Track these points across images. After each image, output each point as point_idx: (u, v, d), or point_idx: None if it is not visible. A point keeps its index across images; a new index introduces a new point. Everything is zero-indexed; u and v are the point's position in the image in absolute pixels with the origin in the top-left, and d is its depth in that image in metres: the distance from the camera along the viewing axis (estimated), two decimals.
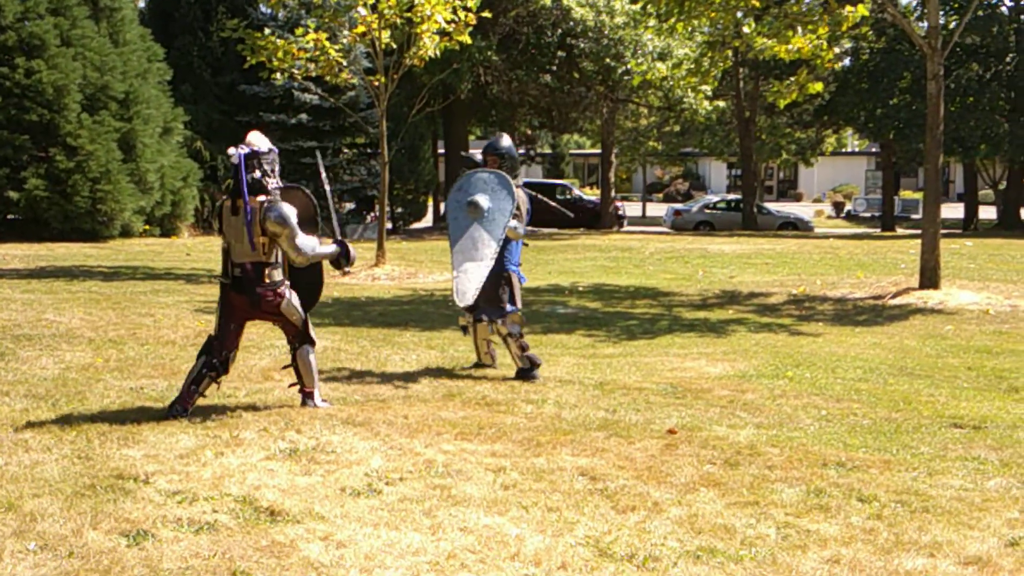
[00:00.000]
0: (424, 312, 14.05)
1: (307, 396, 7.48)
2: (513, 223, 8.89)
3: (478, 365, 9.56)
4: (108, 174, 25.12)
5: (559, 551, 4.84)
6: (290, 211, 7.07)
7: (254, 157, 7.07)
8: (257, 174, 7.06)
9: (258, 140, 7.19)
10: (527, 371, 8.99)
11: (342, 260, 7.62)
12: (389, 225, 31.81)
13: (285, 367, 7.78)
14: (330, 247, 7.52)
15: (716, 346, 11.53)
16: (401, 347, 10.73)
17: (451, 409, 7.70)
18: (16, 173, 24.61)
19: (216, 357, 7.21)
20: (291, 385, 7.65)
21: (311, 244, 7.18)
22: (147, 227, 27.89)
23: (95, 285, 15.69)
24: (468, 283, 8.62)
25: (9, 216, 25.64)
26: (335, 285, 17.38)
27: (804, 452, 6.58)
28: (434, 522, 5.15)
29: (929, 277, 16.19)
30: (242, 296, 7.15)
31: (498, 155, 9.19)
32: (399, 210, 35.66)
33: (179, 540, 4.82)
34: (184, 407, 7.10)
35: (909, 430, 7.37)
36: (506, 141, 9.39)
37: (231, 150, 7.11)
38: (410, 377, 9.00)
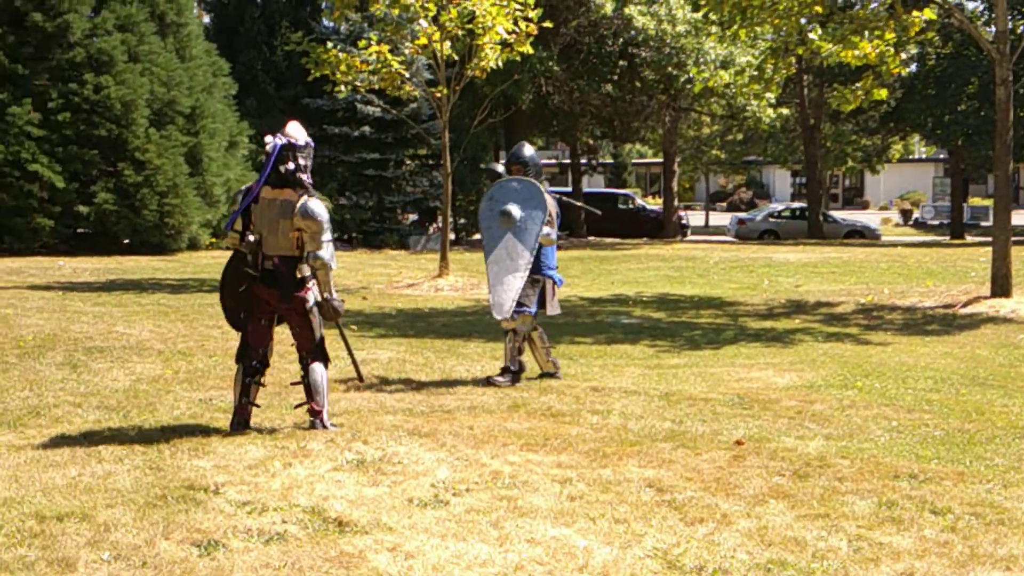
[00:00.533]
0: (488, 323, 14.05)
1: (315, 416, 7.17)
2: (546, 230, 8.92)
3: (544, 375, 9.60)
4: (175, 188, 25.47)
5: (627, 563, 4.81)
6: (323, 208, 6.97)
7: (290, 149, 6.96)
8: (291, 166, 6.92)
9: (297, 132, 7.08)
10: (512, 372, 9.14)
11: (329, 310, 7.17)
12: (452, 236, 31.90)
13: (295, 383, 7.47)
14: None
15: (783, 356, 11.42)
16: (466, 358, 10.75)
17: (516, 420, 7.69)
18: (86, 188, 25.02)
19: (254, 359, 7.12)
20: (298, 406, 7.39)
21: (332, 252, 7.06)
22: (213, 240, 28.22)
23: (163, 298, 15.90)
24: (505, 295, 8.72)
25: (79, 230, 26.07)
26: (399, 297, 17.47)
27: (875, 464, 6.49)
28: (501, 533, 5.14)
29: (1001, 285, 15.91)
30: (272, 290, 6.99)
31: (522, 164, 9.17)
32: (462, 221, 35.76)
33: (249, 550, 4.85)
34: (245, 421, 7.08)
35: (983, 441, 7.24)
36: (528, 149, 9.36)
37: (268, 138, 7.02)
38: (475, 388, 9.01)
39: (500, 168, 9.61)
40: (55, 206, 24.33)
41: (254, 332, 7.13)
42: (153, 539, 4.93)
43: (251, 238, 6.93)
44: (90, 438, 6.82)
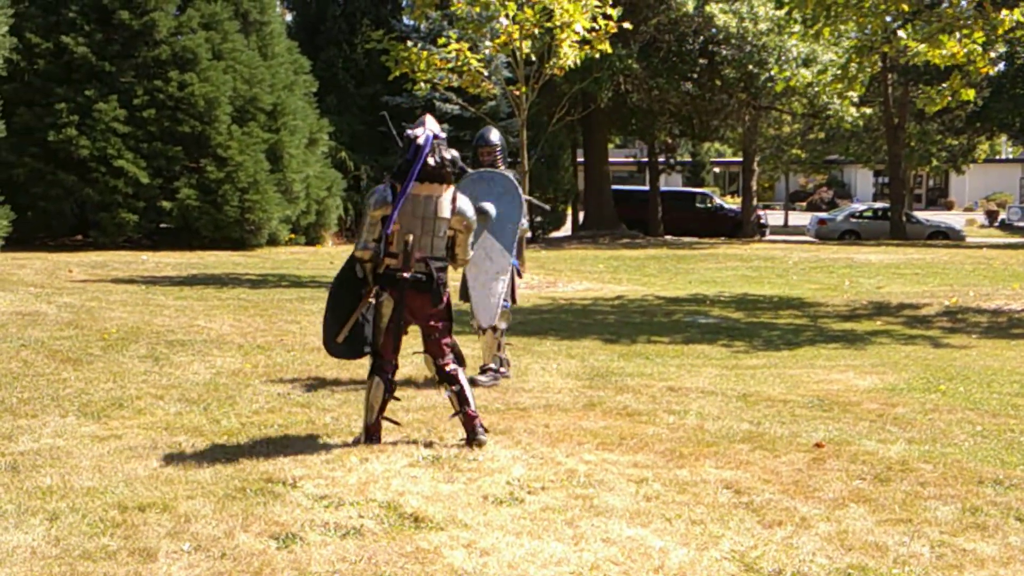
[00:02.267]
0: (564, 321, 14.04)
1: (474, 421, 6.66)
2: (523, 222, 8.58)
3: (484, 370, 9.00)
4: (256, 184, 25.77)
5: (704, 565, 4.77)
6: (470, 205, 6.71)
7: (436, 140, 6.52)
8: (432, 160, 6.45)
9: (435, 125, 6.65)
10: (492, 371, 8.89)
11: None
12: (529, 234, 31.92)
13: (454, 414, 6.77)
14: None
15: (864, 358, 11.25)
16: (541, 356, 10.74)
17: (592, 419, 7.66)
18: (169, 183, 25.42)
19: (390, 373, 6.64)
20: (463, 416, 6.69)
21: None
22: (292, 236, 28.53)
23: (243, 292, 16.10)
24: (490, 301, 8.20)
25: (162, 225, 26.50)
26: None
27: (959, 469, 6.36)
28: (576, 532, 5.12)
29: None
30: (424, 295, 6.51)
31: (490, 147, 8.71)
32: (538, 219, 35.76)
33: (326, 544, 4.89)
34: (378, 436, 6.64)
35: None
36: (496, 133, 8.91)
37: (418, 131, 6.51)
38: (550, 386, 8.99)
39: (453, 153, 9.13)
40: (139, 201, 24.74)
41: (393, 344, 6.63)
42: (232, 531, 4.99)
43: (409, 238, 6.42)
44: (171, 430, 6.93)
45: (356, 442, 6.61)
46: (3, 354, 9.55)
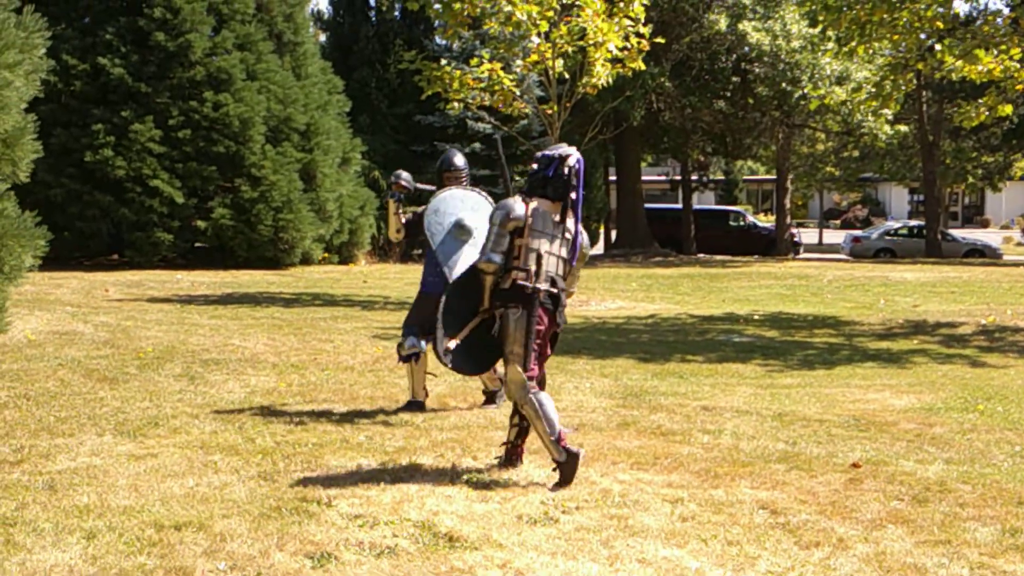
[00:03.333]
0: (597, 340, 14.01)
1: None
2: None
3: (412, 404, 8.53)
4: (290, 203, 25.92)
5: None
6: None
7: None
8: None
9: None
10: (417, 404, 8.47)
11: None
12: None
13: (506, 443, 6.70)
14: None
15: (900, 377, 11.16)
16: (574, 375, 10.72)
17: (626, 438, 7.63)
18: (204, 203, 25.61)
19: (540, 386, 6.46)
20: (511, 447, 6.64)
21: None
22: (326, 255, 28.65)
23: (277, 311, 16.18)
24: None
25: (197, 244, 26.68)
26: None
27: (998, 490, 6.29)
28: (612, 552, 5.10)
29: None
30: (551, 314, 6.44)
31: (457, 171, 8.47)
32: None
33: (361, 563, 4.89)
34: (518, 460, 6.62)
35: None
36: (461, 158, 8.63)
37: (572, 150, 6.47)
38: (584, 405, 8.97)
39: (405, 177, 8.56)
40: (174, 221, 24.93)
41: (539, 357, 6.49)
42: (268, 550, 5.00)
43: (540, 253, 6.36)
44: (207, 449, 6.96)
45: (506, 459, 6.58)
46: (40, 373, 9.63)
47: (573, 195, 6.42)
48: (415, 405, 8.46)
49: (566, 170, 6.39)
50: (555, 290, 6.42)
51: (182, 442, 7.16)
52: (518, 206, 6.40)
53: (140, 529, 5.26)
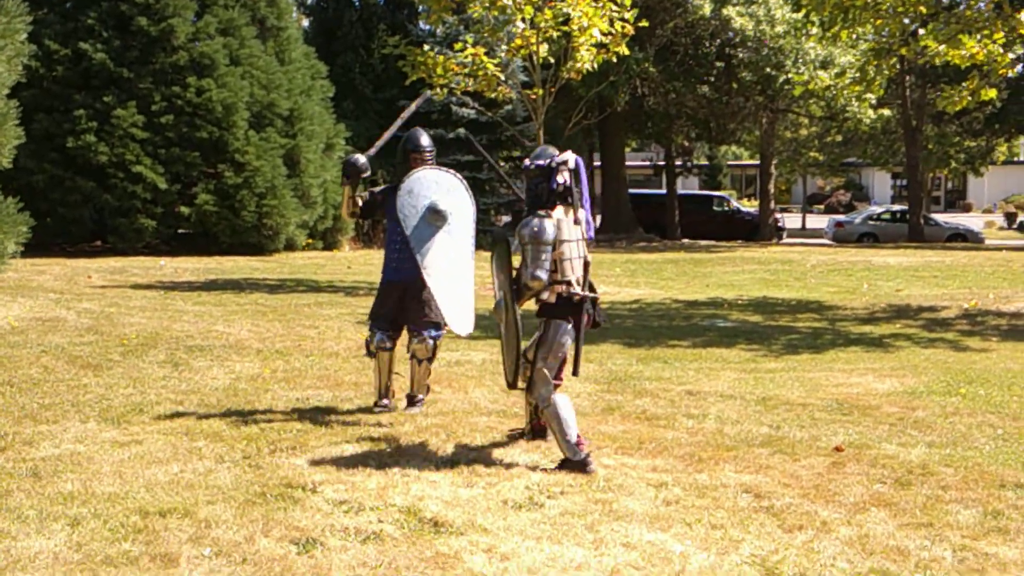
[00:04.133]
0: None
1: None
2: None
3: (380, 406, 7.98)
4: (273, 189, 25.84)
5: (724, 570, 4.76)
6: None
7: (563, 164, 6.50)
8: (564, 183, 6.52)
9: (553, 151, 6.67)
10: (418, 402, 8.02)
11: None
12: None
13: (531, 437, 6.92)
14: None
15: (883, 361, 11.21)
16: None
17: (611, 423, 7.66)
18: (187, 189, 25.51)
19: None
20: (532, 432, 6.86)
21: None
22: (310, 241, 28.59)
23: (261, 297, 16.15)
24: (463, 308, 7.39)
25: (181, 230, 26.59)
26: (491, 298, 17.50)
27: (980, 472, 6.33)
28: (596, 537, 5.12)
29: None
30: (581, 317, 6.50)
31: (424, 151, 7.92)
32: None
33: (347, 549, 4.90)
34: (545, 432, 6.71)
35: None
36: (426, 136, 8.10)
37: (567, 155, 6.55)
38: (569, 390, 8.96)
39: (362, 159, 8.02)
40: (157, 207, 24.83)
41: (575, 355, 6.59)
42: (253, 536, 5.01)
43: (575, 262, 6.48)
44: (191, 435, 6.95)
45: (565, 466, 6.29)
46: (23, 360, 9.59)
47: (577, 192, 6.55)
48: (383, 407, 7.87)
49: (566, 176, 6.49)
50: (595, 294, 6.56)
51: (166, 429, 7.15)
52: (549, 228, 6.33)
53: (125, 516, 5.25)
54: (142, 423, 7.32)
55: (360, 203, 8.04)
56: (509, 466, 6.33)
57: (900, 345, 12.62)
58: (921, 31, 15.73)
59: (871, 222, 42.39)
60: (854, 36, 18.53)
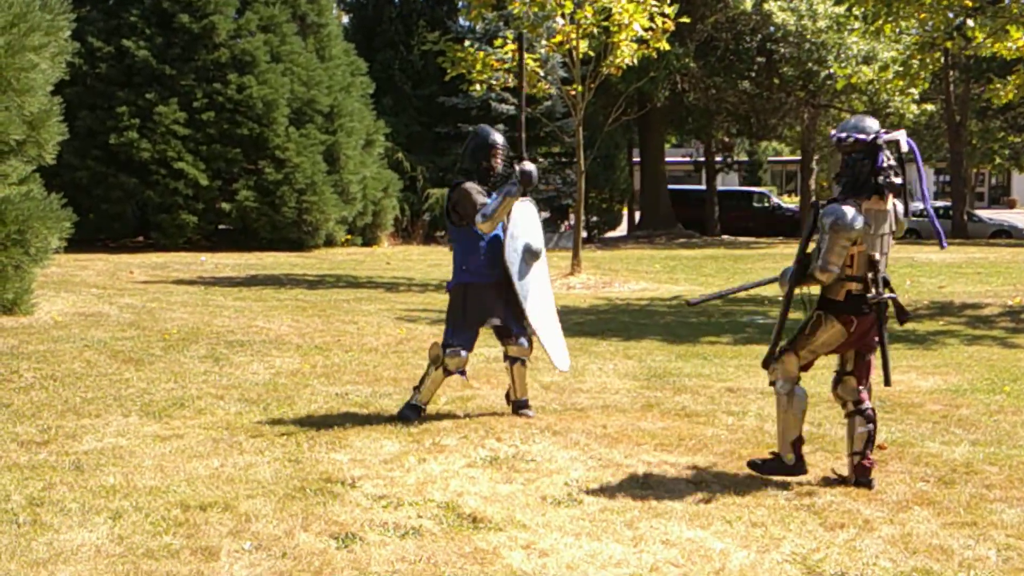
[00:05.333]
0: (621, 322, 13.98)
1: (866, 474, 5.94)
2: None
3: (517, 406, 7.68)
4: (313, 185, 25.95)
5: (765, 568, 4.72)
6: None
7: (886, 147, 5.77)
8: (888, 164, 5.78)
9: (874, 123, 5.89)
10: (523, 408, 7.68)
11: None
12: (584, 234, 31.85)
13: (854, 452, 6.02)
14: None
15: (926, 359, 11.08)
16: (598, 356, 10.70)
17: (650, 420, 7.62)
18: (228, 185, 25.66)
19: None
20: (859, 458, 5.98)
21: None
22: (349, 236, 28.69)
23: (301, 293, 16.21)
24: (560, 342, 7.49)
25: (221, 226, 26.76)
26: None
27: None
28: (636, 534, 5.10)
29: None
30: (873, 318, 5.92)
31: (500, 148, 7.51)
32: (594, 219, 35.71)
33: (386, 544, 4.90)
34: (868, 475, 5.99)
35: None
36: (498, 132, 7.66)
37: (898, 134, 5.77)
38: (608, 387, 8.96)
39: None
40: (199, 203, 25.00)
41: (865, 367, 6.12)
42: (292, 530, 5.02)
43: (876, 258, 5.82)
44: (232, 430, 6.98)
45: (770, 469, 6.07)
46: (66, 354, 9.68)
47: (899, 180, 5.79)
48: (415, 409, 7.46)
49: (894, 159, 5.77)
50: (894, 294, 5.95)
51: (207, 423, 7.19)
52: (858, 220, 5.69)
53: (166, 509, 5.29)
54: (183, 417, 7.36)
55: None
56: (548, 463, 6.31)
57: (943, 342, 12.48)
58: (969, 22, 15.54)
59: (914, 218, 41.96)
60: (897, 30, 18.36)
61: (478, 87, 19.58)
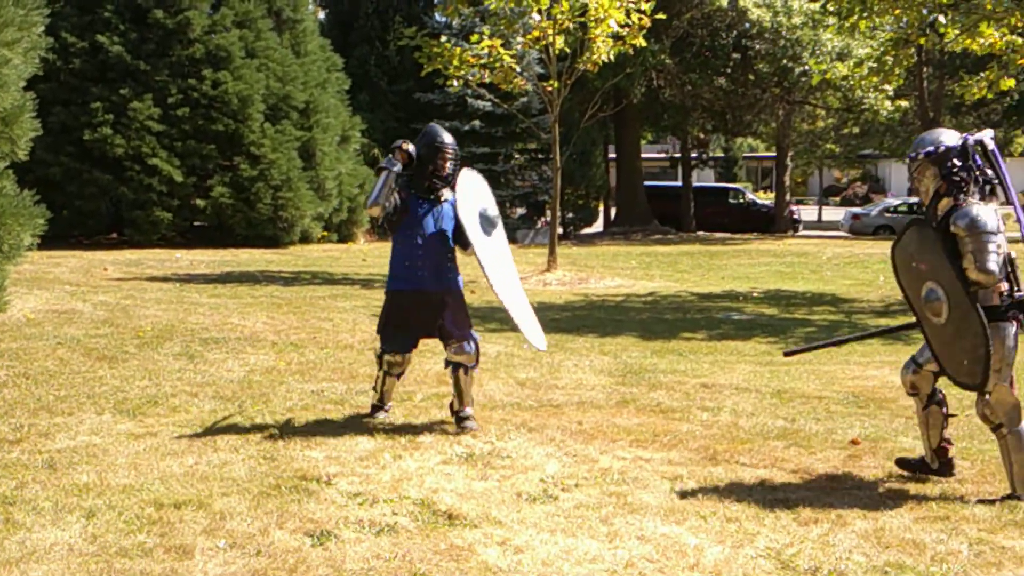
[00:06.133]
0: (596, 318, 14.01)
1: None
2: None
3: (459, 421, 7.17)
4: (289, 182, 25.88)
5: (739, 563, 4.74)
6: (990, 216, 5.65)
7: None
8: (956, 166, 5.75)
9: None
10: (467, 418, 7.17)
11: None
12: (560, 230, 31.89)
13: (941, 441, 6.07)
14: None
15: (900, 354, 11.11)
16: (574, 353, 10.72)
17: (625, 416, 7.64)
18: (203, 181, 25.56)
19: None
20: (943, 444, 6.06)
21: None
22: (325, 233, 28.62)
23: (276, 290, 16.17)
24: (534, 320, 7.13)
25: (196, 223, 26.65)
26: None
27: (997, 465, 6.27)
28: (611, 530, 5.11)
29: None
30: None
31: (452, 149, 7.24)
32: (570, 215, 35.72)
33: (361, 541, 4.90)
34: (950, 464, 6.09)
35: None
36: (447, 133, 7.37)
37: (985, 134, 5.79)
38: (583, 383, 8.97)
39: (412, 147, 7.20)
40: (173, 199, 24.89)
41: None
42: (267, 528, 5.01)
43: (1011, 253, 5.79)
44: (206, 427, 6.96)
45: None
46: (39, 352, 9.62)
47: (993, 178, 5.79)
48: (378, 408, 7.37)
49: (988, 158, 5.78)
50: None
51: (181, 421, 7.16)
52: (992, 214, 5.65)
53: (140, 507, 5.26)
54: (157, 415, 7.33)
55: (397, 197, 7.06)
56: (523, 459, 6.32)
57: (917, 338, 12.48)
58: (942, 19, 15.64)
59: (888, 214, 42.17)
60: (871, 27, 18.44)
61: (454, 83, 19.56)
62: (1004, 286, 5.71)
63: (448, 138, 7.29)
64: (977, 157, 5.77)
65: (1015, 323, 5.72)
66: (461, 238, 7.09)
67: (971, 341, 5.59)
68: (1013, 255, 5.79)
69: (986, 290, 5.63)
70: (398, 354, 7.15)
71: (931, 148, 5.80)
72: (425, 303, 7.07)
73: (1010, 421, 5.72)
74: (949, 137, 5.83)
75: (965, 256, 5.62)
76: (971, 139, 5.78)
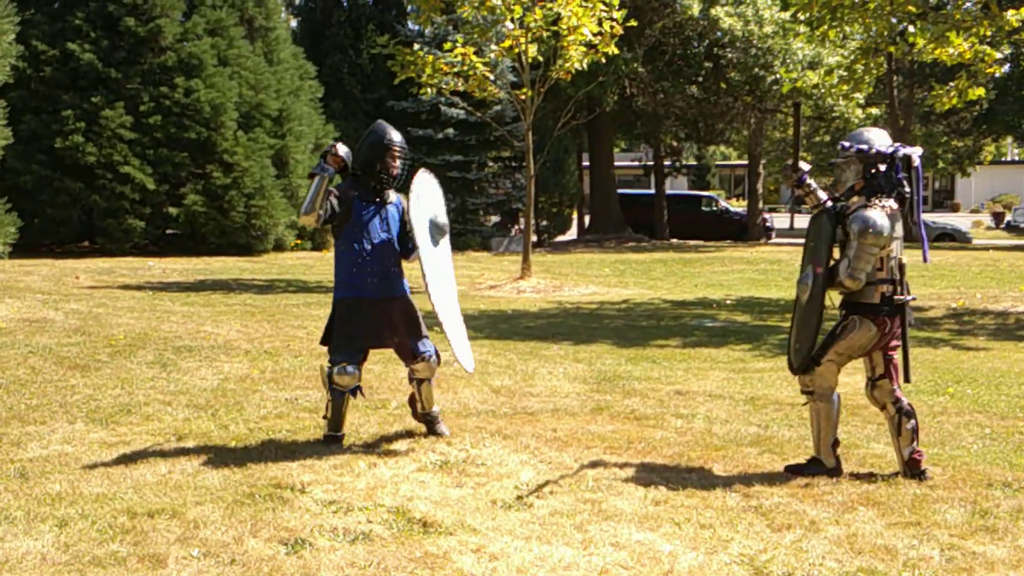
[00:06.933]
0: (571, 325, 14.03)
1: (916, 466, 6.20)
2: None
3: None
4: (262, 190, 25.80)
5: (713, 569, 4.76)
6: (879, 218, 5.99)
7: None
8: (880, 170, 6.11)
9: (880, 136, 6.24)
10: (436, 423, 7.15)
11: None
12: (534, 238, 31.92)
13: (909, 448, 6.22)
14: None
15: None
16: (548, 360, 10.74)
17: (600, 423, 7.66)
18: (176, 189, 25.45)
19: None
20: (911, 453, 6.21)
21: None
22: (298, 241, 28.55)
23: (250, 298, 16.12)
24: (465, 340, 6.95)
25: (169, 231, 26.53)
26: (481, 298, 17.51)
27: (967, 471, 6.35)
28: (585, 537, 5.13)
29: None
30: (904, 321, 6.18)
31: (402, 148, 6.94)
32: (544, 223, 35.76)
33: (335, 549, 4.89)
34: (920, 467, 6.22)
35: None
36: (397, 131, 7.03)
37: (914, 150, 6.17)
38: (558, 390, 8.99)
39: (344, 150, 6.92)
40: (146, 207, 24.77)
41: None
42: (241, 537, 5.00)
43: (902, 260, 6.18)
44: (179, 436, 6.94)
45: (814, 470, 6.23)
46: (11, 361, 9.56)
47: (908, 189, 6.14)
48: (334, 439, 6.87)
49: (910, 173, 6.15)
50: (912, 296, 6.26)
51: (154, 429, 7.14)
52: (886, 222, 6.00)
53: (113, 516, 5.24)
54: (130, 424, 7.30)
55: (333, 204, 6.78)
56: (498, 466, 6.32)
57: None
58: (911, 28, 15.76)
59: None
60: (842, 36, 18.58)
61: (428, 91, 19.56)
62: (889, 288, 6.12)
63: (396, 136, 6.94)
64: (900, 170, 6.12)
65: (881, 325, 6.10)
66: (406, 243, 6.89)
67: (806, 333, 6.31)
68: (904, 261, 6.18)
69: (864, 288, 6.09)
70: (348, 366, 6.74)
71: (864, 146, 6.14)
72: (373, 310, 6.82)
73: (821, 395, 6.30)
74: (882, 142, 6.16)
75: (843, 258, 6.09)
76: (901, 151, 6.15)
